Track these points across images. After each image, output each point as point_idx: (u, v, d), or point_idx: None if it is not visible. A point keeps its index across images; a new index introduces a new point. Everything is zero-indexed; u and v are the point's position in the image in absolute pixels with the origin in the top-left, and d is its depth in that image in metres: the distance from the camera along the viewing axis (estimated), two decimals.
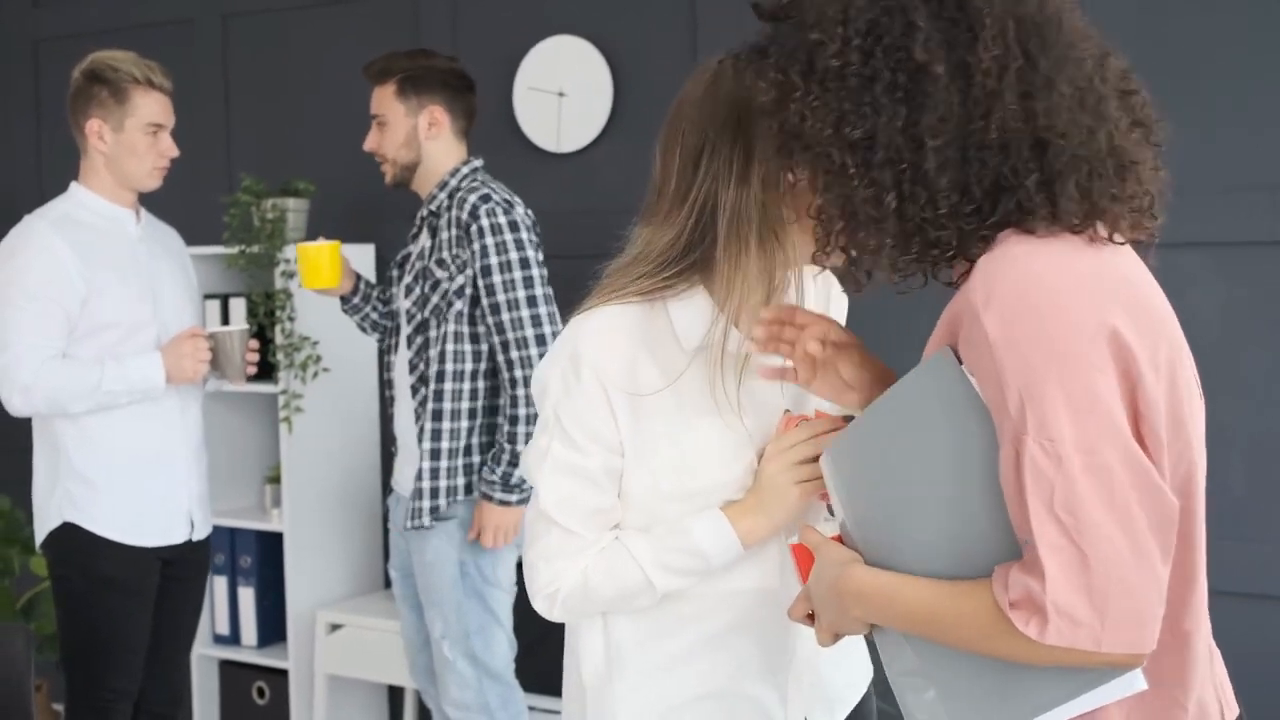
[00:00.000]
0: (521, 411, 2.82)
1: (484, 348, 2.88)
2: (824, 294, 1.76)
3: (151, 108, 2.88)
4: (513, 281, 2.81)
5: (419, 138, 2.96)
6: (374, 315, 3.16)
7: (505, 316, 2.82)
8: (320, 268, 3.00)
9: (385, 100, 2.98)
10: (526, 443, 2.74)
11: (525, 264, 2.82)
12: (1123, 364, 1.19)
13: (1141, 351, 1.20)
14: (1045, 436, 1.16)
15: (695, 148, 1.54)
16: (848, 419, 1.57)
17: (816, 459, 1.51)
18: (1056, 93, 1.25)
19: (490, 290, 2.82)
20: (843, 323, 1.73)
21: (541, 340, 2.82)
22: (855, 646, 1.77)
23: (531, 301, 2.82)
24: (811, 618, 1.46)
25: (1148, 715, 1.28)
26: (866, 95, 1.26)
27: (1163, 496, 1.17)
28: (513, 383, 2.83)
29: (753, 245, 1.50)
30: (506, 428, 2.84)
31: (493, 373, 2.90)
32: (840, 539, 1.42)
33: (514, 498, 2.84)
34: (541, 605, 1.63)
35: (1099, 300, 1.20)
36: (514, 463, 2.83)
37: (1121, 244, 1.30)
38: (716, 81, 1.56)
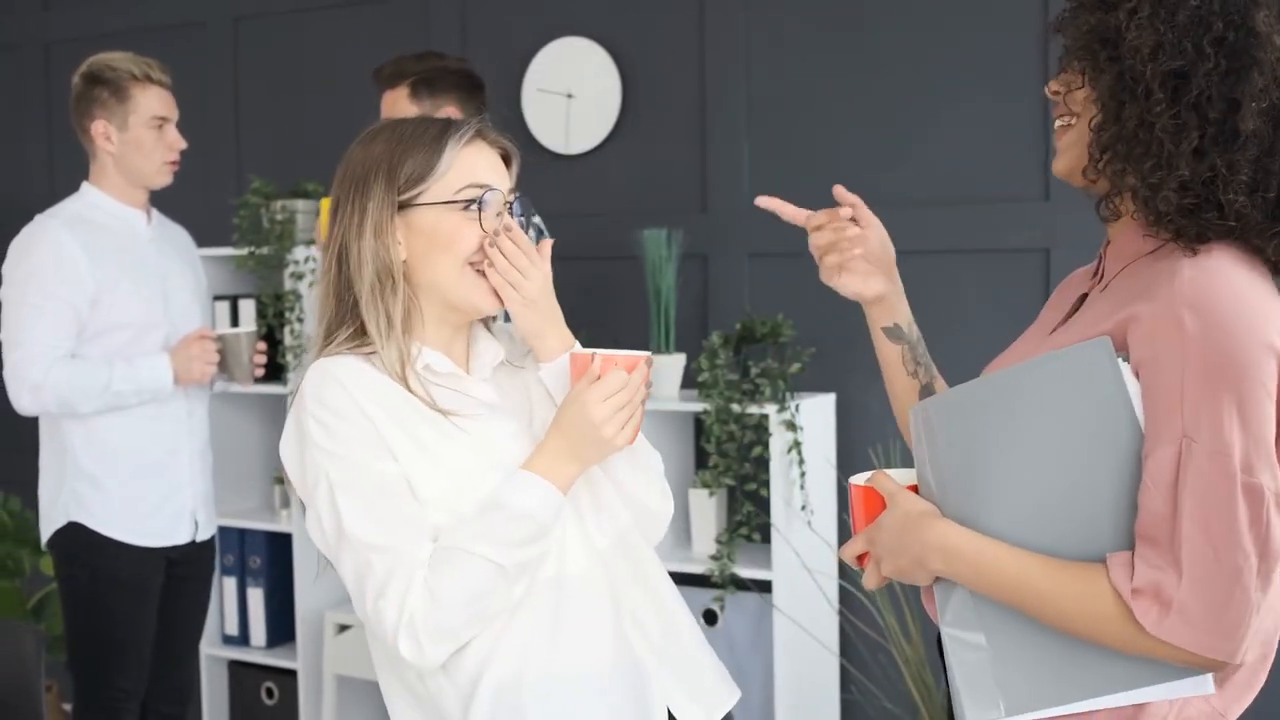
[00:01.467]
0: None
1: None
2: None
3: (152, 102, 2.88)
4: None
5: None
6: None
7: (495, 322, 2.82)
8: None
9: (398, 104, 2.97)
10: None
11: None
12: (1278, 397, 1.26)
13: None
14: (1217, 451, 1.22)
15: (334, 203, 1.70)
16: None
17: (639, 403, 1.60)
18: None
19: None
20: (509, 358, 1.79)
21: None
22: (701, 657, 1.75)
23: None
24: (861, 560, 1.49)
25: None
26: (1192, 35, 1.29)
27: None
28: None
29: (373, 293, 1.63)
30: None
31: None
32: (915, 489, 1.45)
33: None
34: (406, 647, 1.52)
35: (1274, 324, 1.26)
36: None
37: None
38: (354, 148, 1.73)
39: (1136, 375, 1.28)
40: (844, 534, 3.19)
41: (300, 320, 3.51)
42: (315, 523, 1.59)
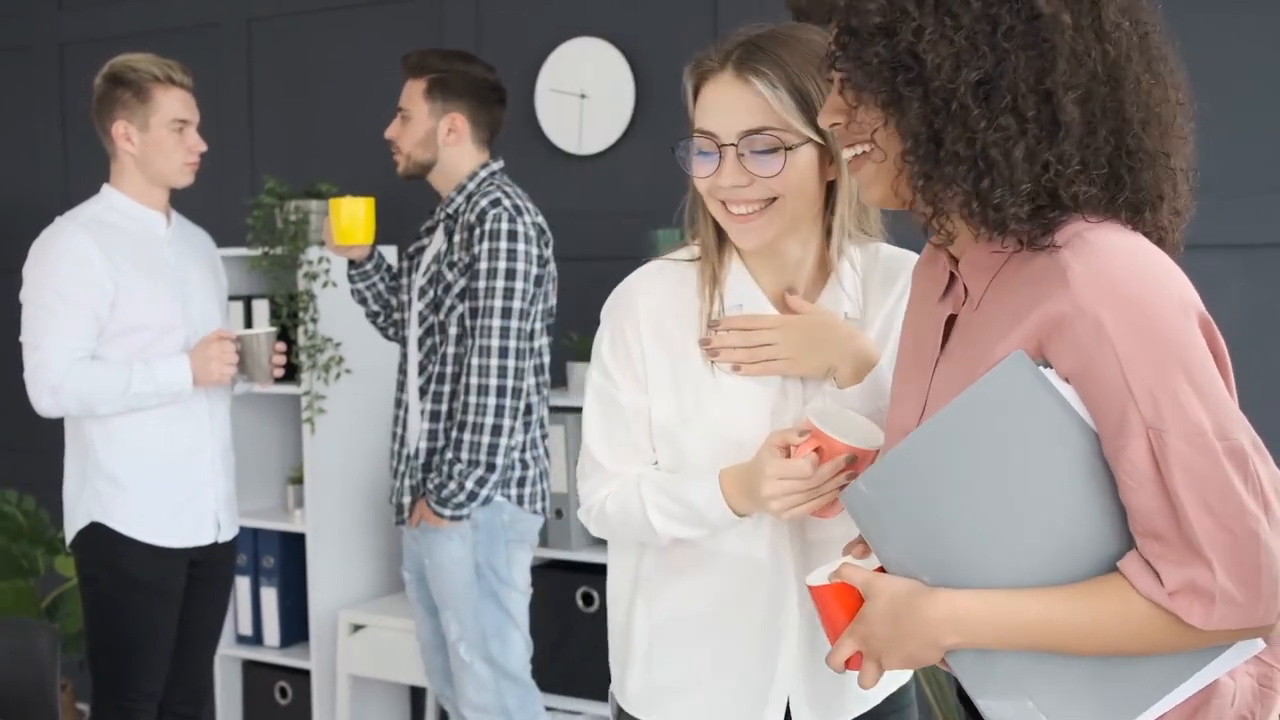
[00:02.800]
0: (470, 419, 2.81)
1: None
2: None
3: (174, 104, 2.89)
4: (494, 290, 2.81)
5: (437, 140, 2.97)
6: (380, 286, 3.15)
7: (478, 322, 2.82)
8: (355, 224, 2.98)
9: (413, 96, 2.99)
10: (470, 452, 2.79)
11: (511, 275, 2.82)
12: (1210, 341, 1.23)
13: (1221, 340, 1.25)
14: (1191, 433, 1.19)
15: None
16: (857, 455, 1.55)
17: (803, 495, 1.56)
18: (1168, 86, 1.26)
19: (474, 294, 2.83)
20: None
21: (505, 353, 2.81)
22: None
23: (506, 314, 2.81)
24: (851, 662, 1.38)
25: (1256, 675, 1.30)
26: (984, 38, 1.23)
27: (1273, 466, 1.23)
28: (467, 389, 2.83)
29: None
30: (454, 434, 2.84)
31: None
32: (881, 572, 1.36)
33: (446, 512, 2.85)
34: (583, 517, 1.77)
35: (1184, 283, 1.24)
36: (451, 476, 2.82)
37: None
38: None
39: (1067, 381, 1.24)
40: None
41: (314, 320, 3.52)
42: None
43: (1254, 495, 1.19)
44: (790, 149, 1.58)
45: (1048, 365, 1.25)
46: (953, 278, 1.40)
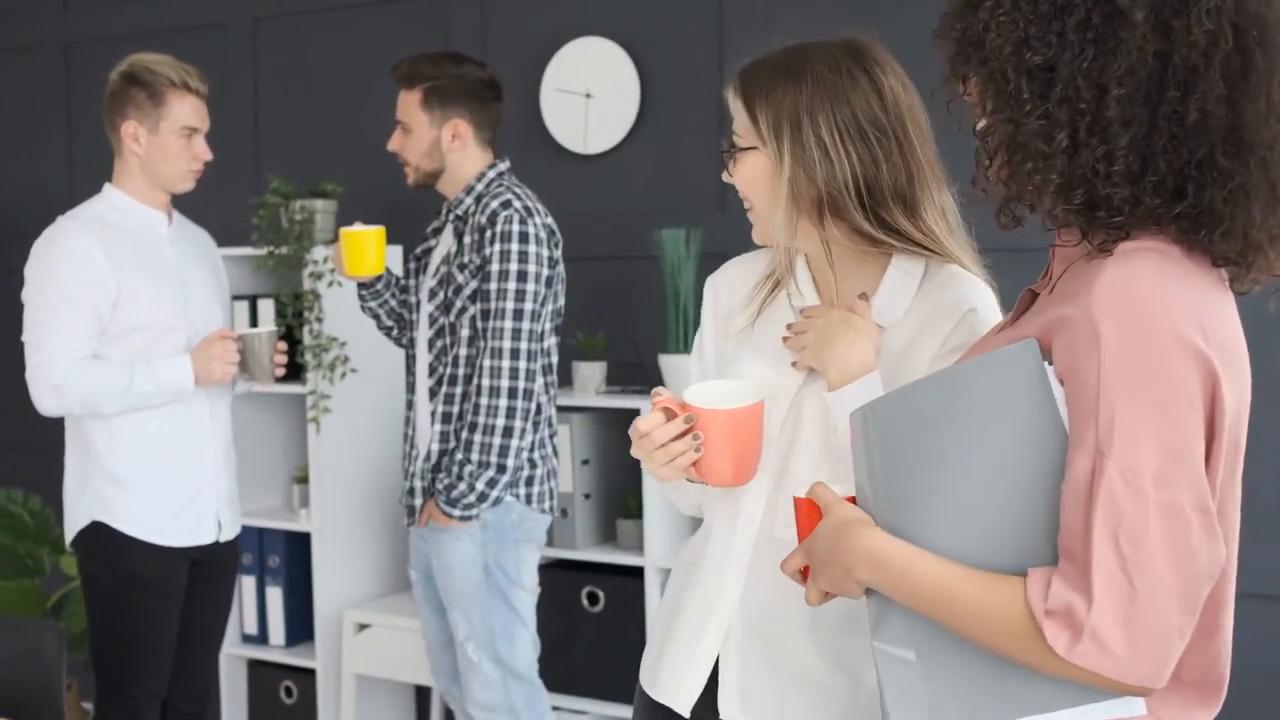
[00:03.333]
0: (481, 420, 2.81)
1: None
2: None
3: (186, 111, 2.89)
4: (505, 291, 2.81)
5: (441, 148, 2.95)
6: (392, 303, 3.14)
7: (490, 323, 2.82)
8: (366, 253, 2.94)
9: (410, 108, 2.97)
10: (480, 453, 2.80)
11: (523, 277, 2.82)
12: (1210, 406, 1.19)
13: (1228, 400, 1.21)
14: (1128, 466, 1.16)
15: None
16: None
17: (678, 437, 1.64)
18: (1263, 99, 1.21)
19: (485, 295, 2.83)
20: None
21: (516, 354, 2.81)
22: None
23: (518, 315, 2.81)
24: (805, 574, 1.44)
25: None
26: (1055, 24, 1.22)
27: (1219, 547, 1.18)
28: (478, 390, 2.82)
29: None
30: (464, 434, 2.83)
31: None
32: (853, 500, 1.40)
33: (455, 513, 2.84)
34: None
35: (1208, 345, 1.19)
36: (461, 476, 2.82)
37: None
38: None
39: (1061, 382, 1.23)
40: None
41: (319, 320, 3.52)
42: None
43: (1172, 559, 1.15)
44: (737, 152, 1.71)
45: (1052, 362, 1.25)
46: (1050, 259, 1.41)
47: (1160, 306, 1.19)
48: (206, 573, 3.01)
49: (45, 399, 2.79)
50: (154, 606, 2.90)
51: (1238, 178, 1.21)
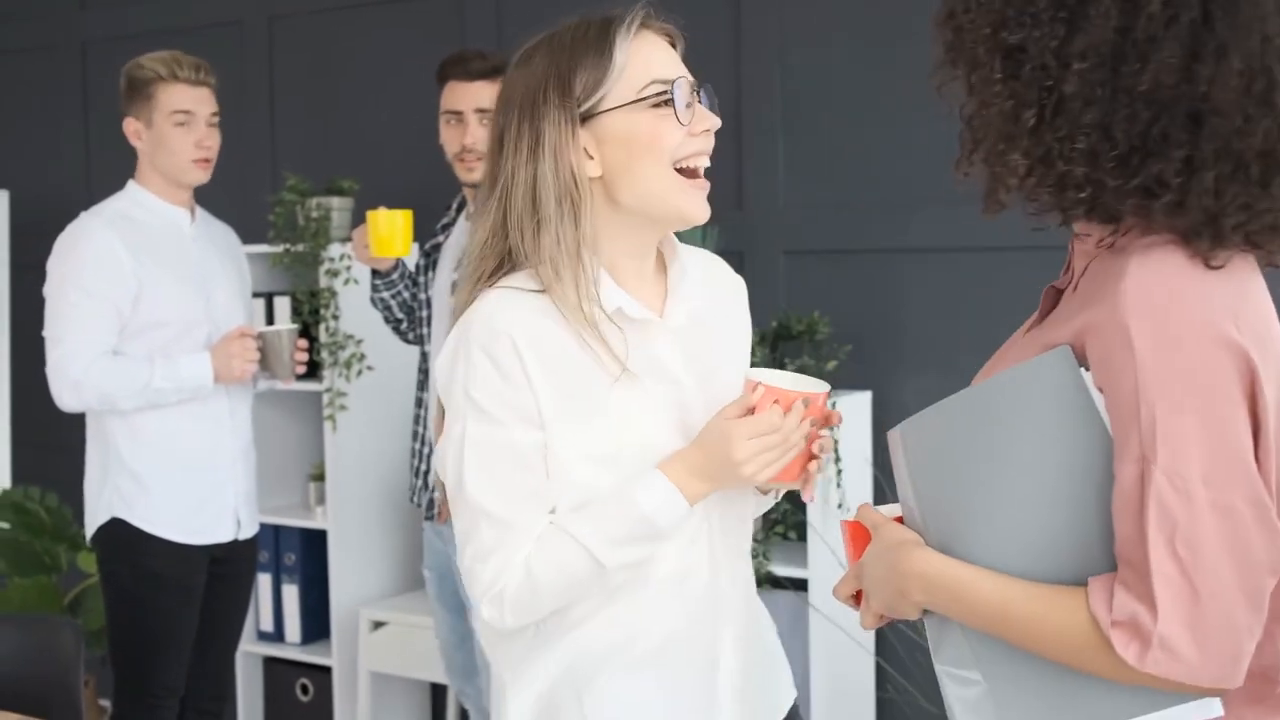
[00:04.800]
0: None
1: None
2: (707, 276, 1.70)
3: (174, 97, 2.89)
4: None
5: None
6: (405, 294, 3.13)
7: None
8: (394, 235, 2.92)
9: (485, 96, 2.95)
10: None
11: None
12: (1252, 396, 1.17)
13: (1268, 385, 1.18)
14: (1174, 470, 1.14)
15: (496, 135, 1.56)
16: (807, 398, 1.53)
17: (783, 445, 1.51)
18: (1226, 64, 1.17)
19: None
20: (741, 306, 1.72)
21: None
22: (779, 661, 1.74)
23: None
24: (857, 598, 1.43)
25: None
26: (1031, 4, 1.22)
27: (1278, 539, 1.17)
28: None
29: (551, 220, 1.50)
30: None
31: None
32: (901, 520, 1.38)
33: None
34: (489, 612, 1.52)
35: (1241, 334, 1.17)
36: None
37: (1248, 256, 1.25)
38: (510, 72, 1.60)
39: (1100, 390, 1.22)
40: None
41: (335, 317, 3.52)
42: (442, 451, 1.55)
43: (1236, 559, 1.14)
44: None
45: (1088, 368, 1.23)
46: (1070, 253, 1.40)
47: (1187, 301, 1.17)
48: (225, 570, 3.01)
49: (64, 394, 2.80)
50: (173, 604, 2.90)
51: (1186, 148, 1.18)
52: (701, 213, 1.57)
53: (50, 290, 2.84)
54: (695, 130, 1.56)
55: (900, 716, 3.24)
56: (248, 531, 3.04)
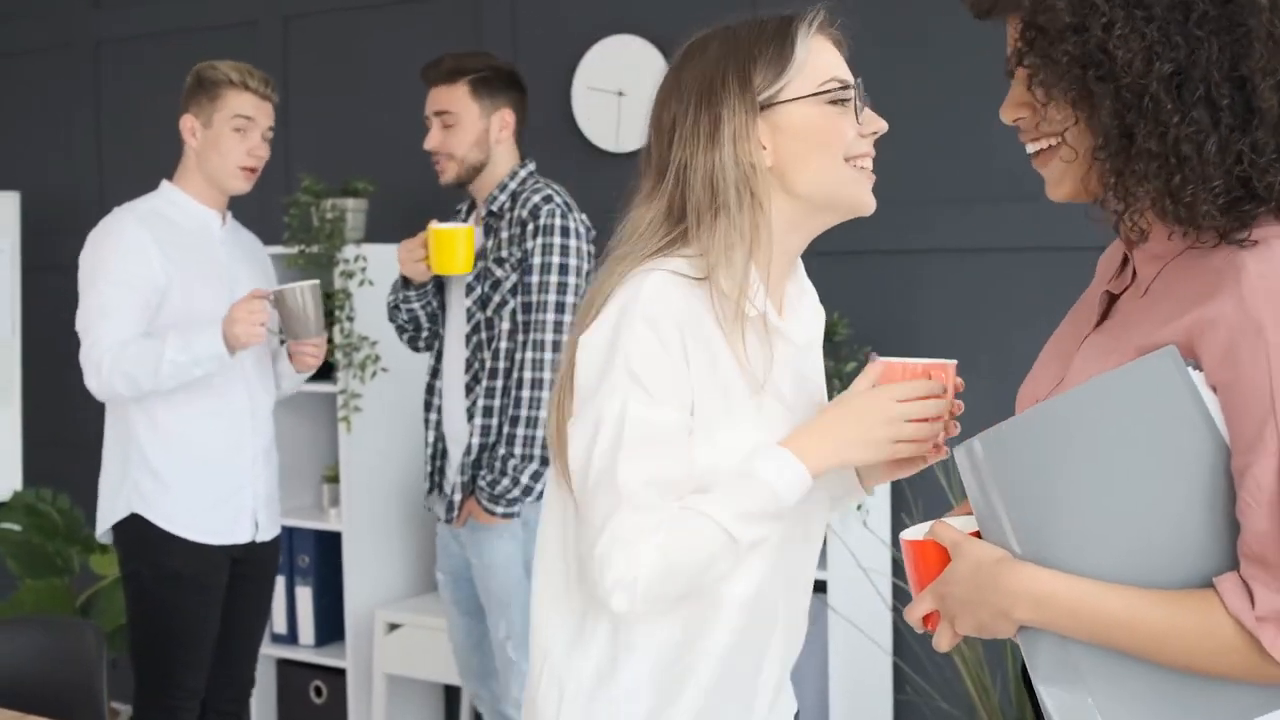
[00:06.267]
0: (523, 413, 2.81)
1: None
2: (813, 300, 1.71)
3: (239, 103, 2.92)
4: (547, 284, 2.82)
5: (489, 139, 2.95)
6: (435, 304, 3.10)
7: (532, 316, 2.83)
8: (456, 251, 2.88)
9: (457, 99, 2.96)
10: (523, 446, 2.79)
11: (564, 270, 2.83)
12: None
13: None
14: None
15: (669, 122, 1.56)
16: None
17: (923, 421, 1.48)
18: None
19: (526, 288, 2.84)
20: (818, 329, 1.69)
21: (558, 346, 2.81)
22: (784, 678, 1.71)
23: (560, 308, 2.82)
24: (929, 620, 1.39)
25: None
26: (1177, 27, 1.19)
27: None
28: (519, 383, 2.83)
29: (731, 207, 1.50)
30: (506, 428, 2.83)
31: None
32: (978, 535, 1.34)
33: (498, 509, 2.84)
34: (620, 600, 1.45)
35: None
36: (505, 471, 2.82)
37: None
38: (678, 64, 1.59)
39: (1213, 389, 1.20)
40: (900, 531, 3.16)
41: (350, 319, 3.51)
42: (585, 433, 1.48)
43: None
44: None
45: (1197, 367, 1.21)
46: (1126, 259, 1.38)
47: None
48: (247, 571, 3.01)
49: (92, 382, 2.82)
50: (194, 604, 2.90)
51: None
52: (872, 203, 1.58)
53: (82, 282, 2.86)
54: (866, 131, 1.57)
55: (919, 717, 3.24)
56: (266, 534, 3.03)
